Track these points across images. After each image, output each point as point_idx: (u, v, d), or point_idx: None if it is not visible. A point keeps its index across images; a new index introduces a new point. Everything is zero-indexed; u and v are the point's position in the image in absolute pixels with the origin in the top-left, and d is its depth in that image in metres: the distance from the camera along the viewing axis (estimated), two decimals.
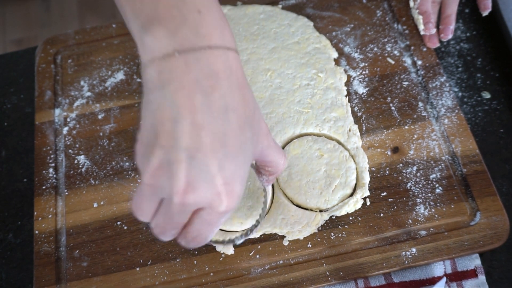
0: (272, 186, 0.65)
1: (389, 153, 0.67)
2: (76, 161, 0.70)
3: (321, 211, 0.64)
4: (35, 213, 0.67)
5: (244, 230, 0.60)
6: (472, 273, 0.61)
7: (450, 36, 0.73)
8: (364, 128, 0.69)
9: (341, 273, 0.60)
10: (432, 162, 0.66)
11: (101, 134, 0.72)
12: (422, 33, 0.74)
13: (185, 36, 0.42)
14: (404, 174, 0.65)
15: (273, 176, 0.55)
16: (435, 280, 0.61)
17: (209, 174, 0.41)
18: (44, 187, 0.69)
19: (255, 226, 0.59)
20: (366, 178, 0.65)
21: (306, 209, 0.64)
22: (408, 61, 0.73)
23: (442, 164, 0.66)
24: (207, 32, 0.42)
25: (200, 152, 0.41)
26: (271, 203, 0.65)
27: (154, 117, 0.42)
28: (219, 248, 0.62)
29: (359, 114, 0.70)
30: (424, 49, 0.74)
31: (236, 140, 0.43)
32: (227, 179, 0.42)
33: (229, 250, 0.62)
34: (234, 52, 0.44)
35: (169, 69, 0.41)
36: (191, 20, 0.42)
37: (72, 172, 0.70)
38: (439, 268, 0.61)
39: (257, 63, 0.73)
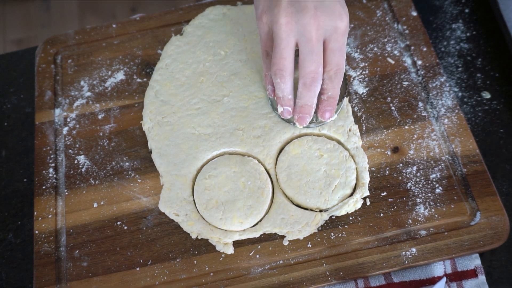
0: (272, 186, 0.65)
1: (389, 153, 0.67)
2: (76, 161, 0.70)
3: (321, 211, 0.64)
4: (35, 213, 0.67)
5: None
6: (472, 273, 0.61)
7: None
8: (364, 128, 0.69)
9: (341, 273, 0.60)
10: (432, 162, 0.66)
11: (101, 134, 0.72)
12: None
13: None
14: (404, 174, 0.65)
15: None
16: (435, 280, 0.61)
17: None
18: (44, 187, 0.69)
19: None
20: (366, 178, 0.65)
21: (306, 209, 0.64)
22: (408, 61, 0.73)
23: (442, 164, 0.66)
24: None
25: None
26: (271, 203, 0.65)
27: None
28: (219, 247, 0.63)
29: (359, 114, 0.70)
30: (424, 49, 0.74)
31: None
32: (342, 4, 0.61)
33: (229, 250, 0.62)
34: None
35: None
36: None
37: (72, 172, 0.70)
38: (439, 268, 0.61)
39: (257, 63, 0.73)
